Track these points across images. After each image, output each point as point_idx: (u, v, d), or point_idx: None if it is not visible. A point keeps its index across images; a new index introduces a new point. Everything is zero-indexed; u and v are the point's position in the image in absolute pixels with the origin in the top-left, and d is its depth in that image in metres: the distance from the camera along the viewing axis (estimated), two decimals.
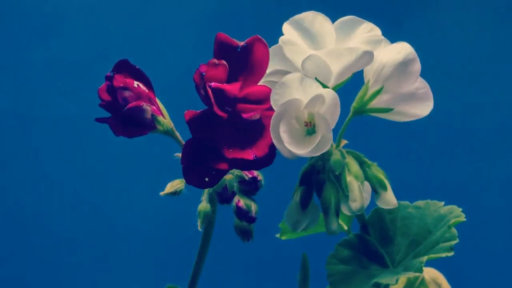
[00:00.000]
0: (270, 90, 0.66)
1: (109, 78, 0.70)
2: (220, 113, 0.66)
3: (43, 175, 1.56)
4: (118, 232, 1.56)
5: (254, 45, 0.68)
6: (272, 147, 0.66)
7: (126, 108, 0.69)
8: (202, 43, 1.56)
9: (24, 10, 1.59)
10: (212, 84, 0.66)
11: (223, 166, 0.66)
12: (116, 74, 0.70)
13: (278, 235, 0.86)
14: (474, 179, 1.54)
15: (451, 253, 0.69)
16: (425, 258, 0.69)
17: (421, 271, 0.68)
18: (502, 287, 1.52)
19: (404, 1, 1.61)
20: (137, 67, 0.71)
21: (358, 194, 0.67)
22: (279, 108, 0.65)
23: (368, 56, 0.66)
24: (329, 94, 0.65)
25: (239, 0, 1.61)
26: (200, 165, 0.66)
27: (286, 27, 0.68)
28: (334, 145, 0.70)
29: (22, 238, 1.55)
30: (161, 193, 0.72)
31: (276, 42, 0.69)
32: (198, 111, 0.67)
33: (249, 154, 0.65)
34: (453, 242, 0.70)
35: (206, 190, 0.73)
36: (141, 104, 0.69)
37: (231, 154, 0.66)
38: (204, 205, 0.73)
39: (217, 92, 0.66)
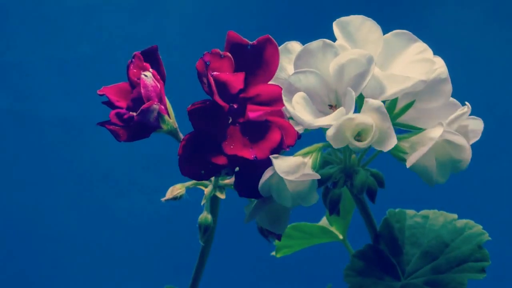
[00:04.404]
0: (281, 90, 0.65)
1: (134, 57, 0.71)
2: (222, 103, 0.66)
3: (43, 175, 1.56)
4: (117, 233, 1.56)
5: (264, 44, 0.68)
6: (273, 151, 0.65)
7: (139, 110, 0.68)
8: (203, 43, 1.56)
9: (24, 10, 1.59)
10: (214, 73, 0.66)
11: (221, 160, 0.65)
12: (142, 55, 0.71)
13: (273, 253, 0.86)
14: (472, 182, 1.53)
15: (484, 275, 0.68)
16: (465, 280, 0.68)
17: None
18: None
19: (404, 1, 1.60)
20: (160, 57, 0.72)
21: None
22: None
23: (422, 84, 0.64)
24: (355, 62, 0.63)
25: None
26: (198, 157, 0.66)
27: (334, 27, 0.66)
28: (355, 158, 0.68)
29: (22, 238, 1.56)
30: (162, 199, 0.71)
31: (280, 42, 0.69)
32: (200, 101, 0.66)
33: (250, 154, 0.64)
34: (486, 264, 0.69)
35: (207, 196, 0.72)
36: (153, 103, 0.68)
37: (231, 150, 0.65)
38: (204, 216, 0.72)
39: (220, 82, 0.66)
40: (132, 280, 1.56)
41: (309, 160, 0.66)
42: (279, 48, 0.69)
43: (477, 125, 0.68)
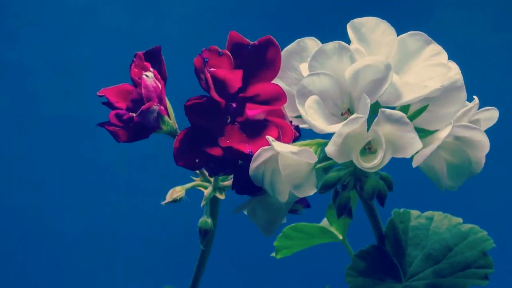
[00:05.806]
0: (280, 89, 0.65)
1: (135, 56, 0.71)
2: (218, 98, 0.66)
3: (43, 175, 1.56)
4: (117, 234, 1.55)
5: (266, 45, 0.68)
6: None
7: (139, 111, 0.68)
8: (203, 43, 1.55)
9: (24, 10, 1.58)
10: (211, 69, 0.66)
11: (217, 151, 0.65)
12: (144, 55, 0.71)
13: (273, 254, 0.86)
14: (478, 187, 1.53)
15: (487, 282, 0.67)
16: (468, 286, 0.68)
17: None
18: None
19: (406, 1, 1.60)
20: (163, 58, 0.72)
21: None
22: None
23: (438, 92, 0.63)
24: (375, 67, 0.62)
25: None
26: (193, 148, 0.66)
27: (348, 29, 0.66)
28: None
29: (22, 238, 1.55)
30: (162, 203, 0.71)
31: (281, 42, 0.68)
32: (197, 97, 0.66)
33: (245, 148, 0.65)
34: (490, 271, 0.69)
35: (207, 197, 0.72)
36: (153, 104, 0.68)
37: (227, 144, 0.65)
38: (204, 220, 0.72)
39: (218, 79, 0.66)
40: (132, 280, 1.55)
41: None
42: (291, 46, 0.68)
43: (491, 114, 0.67)
